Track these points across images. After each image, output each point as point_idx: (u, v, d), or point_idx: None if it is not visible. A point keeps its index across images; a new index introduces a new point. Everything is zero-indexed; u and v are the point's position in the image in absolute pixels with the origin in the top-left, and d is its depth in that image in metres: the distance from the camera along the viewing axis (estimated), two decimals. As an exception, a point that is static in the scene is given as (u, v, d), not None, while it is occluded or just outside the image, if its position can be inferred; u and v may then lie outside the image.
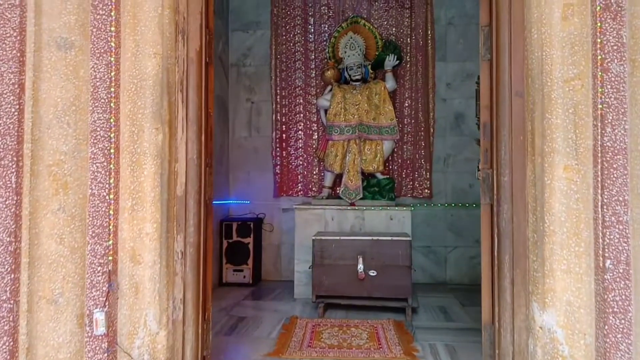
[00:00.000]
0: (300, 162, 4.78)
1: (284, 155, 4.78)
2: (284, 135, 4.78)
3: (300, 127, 4.79)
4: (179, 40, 1.96)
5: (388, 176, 4.40)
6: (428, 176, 4.61)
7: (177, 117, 1.95)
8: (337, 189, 4.55)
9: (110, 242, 1.85)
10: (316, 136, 4.75)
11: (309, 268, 3.60)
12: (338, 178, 4.42)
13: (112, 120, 1.87)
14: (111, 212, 1.85)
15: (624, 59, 1.70)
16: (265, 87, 4.84)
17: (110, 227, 1.85)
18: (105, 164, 1.84)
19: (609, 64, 1.71)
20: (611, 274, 1.68)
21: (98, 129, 1.84)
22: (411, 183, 4.66)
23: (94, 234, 1.83)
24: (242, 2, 4.87)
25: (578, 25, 1.75)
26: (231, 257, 4.48)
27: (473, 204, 4.58)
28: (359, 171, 4.27)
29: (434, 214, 4.65)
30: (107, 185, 1.85)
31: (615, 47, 1.71)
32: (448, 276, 4.62)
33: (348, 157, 4.28)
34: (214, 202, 4.33)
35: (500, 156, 1.90)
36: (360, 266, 3.40)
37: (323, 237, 3.51)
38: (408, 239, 3.46)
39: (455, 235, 4.63)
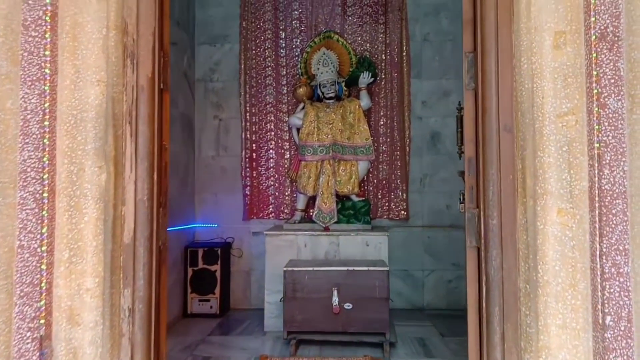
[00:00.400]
0: (272, 183, 4.55)
1: (254, 175, 4.54)
2: (254, 155, 4.54)
3: (271, 146, 4.56)
4: (127, 66, 1.71)
5: (364, 198, 4.22)
6: (404, 197, 4.45)
7: (125, 153, 1.70)
8: (310, 211, 4.34)
9: (43, 302, 1.57)
10: (288, 155, 4.53)
11: (280, 300, 3.37)
12: (311, 200, 4.21)
13: (45, 158, 1.60)
14: (44, 266, 1.58)
15: (622, 93, 1.55)
16: (234, 103, 4.60)
17: (43, 284, 1.58)
18: (36, 210, 1.57)
19: (606, 99, 1.56)
20: (612, 332, 1.52)
21: (28, 170, 1.57)
22: (387, 204, 4.49)
23: (22, 294, 1.55)
24: (209, 15, 4.63)
25: (571, 55, 1.60)
26: (197, 286, 4.19)
27: (450, 225, 4.45)
28: (333, 193, 4.07)
29: (411, 236, 4.49)
30: (38, 236, 1.57)
31: (612, 81, 1.56)
32: (425, 301, 4.45)
33: (322, 178, 4.08)
34: (177, 227, 4.05)
35: (487, 196, 1.72)
36: (335, 299, 3.19)
37: (295, 268, 3.28)
38: (385, 269, 3.27)
39: (433, 258, 4.48)
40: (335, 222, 4.03)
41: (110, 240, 1.65)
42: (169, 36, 1.95)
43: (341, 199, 4.18)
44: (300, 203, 4.22)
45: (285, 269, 3.30)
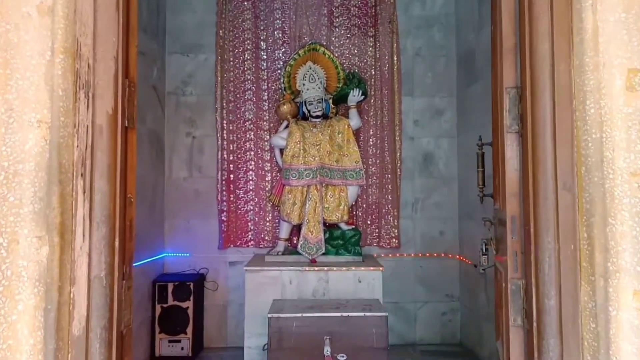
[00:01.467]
0: (251, 208, 4.13)
1: (232, 199, 4.11)
2: (231, 176, 4.12)
3: (250, 167, 4.15)
4: (80, 100, 1.29)
5: (353, 226, 3.86)
6: (395, 223, 4.12)
7: (75, 216, 1.27)
8: (295, 239, 3.96)
9: None
10: (269, 177, 4.13)
11: (264, 349, 2.97)
12: (296, 228, 3.83)
13: (-39, 229, 1.17)
14: (-43, 381, 1.14)
15: None
16: (209, 119, 4.17)
17: (-45, 406, 1.14)
18: (-53, 302, 1.14)
19: (694, 155, 1.26)
20: None
21: (-64, 246, 1.14)
22: (377, 231, 4.15)
23: None
24: (182, 22, 4.19)
25: (648, 99, 1.30)
26: (166, 325, 3.73)
27: (443, 253, 4.15)
28: (321, 221, 3.70)
29: (402, 265, 4.17)
30: (-51, 338, 1.14)
31: (701, 133, 1.27)
32: (418, 335, 4.13)
33: (308, 205, 3.70)
34: (143, 261, 3.58)
35: (542, 269, 1.39)
36: (327, 350, 2.80)
37: (281, 315, 2.88)
38: (384, 314, 2.92)
39: (426, 289, 4.16)
40: (323, 254, 3.65)
41: (53, 336, 1.22)
42: (136, 60, 1.53)
43: (329, 227, 3.81)
44: (284, 232, 3.83)
45: (269, 315, 2.89)
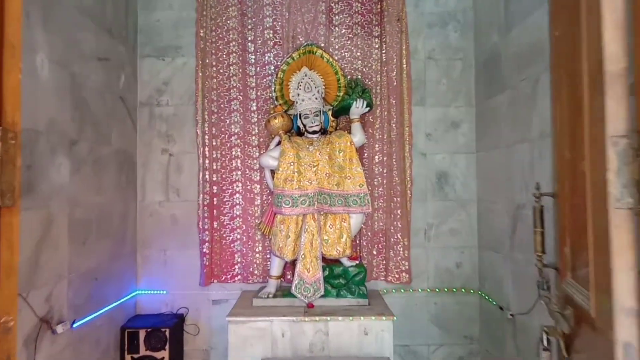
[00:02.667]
0: (238, 237, 3.56)
1: (215, 227, 3.53)
2: (215, 200, 3.54)
3: (237, 189, 3.57)
4: None
5: (357, 262, 3.29)
6: (406, 255, 3.55)
7: None
8: (289, 273, 3.40)
9: None
10: (259, 201, 3.55)
11: None
12: (290, 263, 3.27)
13: None
14: None
15: None
16: (188, 134, 3.58)
17: None
18: None
19: None
20: None
21: None
22: (384, 263, 3.59)
23: None
24: (156, 20, 3.59)
25: None
26: (138, 380, 3.16)
27: (462, 288, 3.59)
28: (319, 257, 3.13)
29: (414, 302, 3.61)
30: None
31: None
32: (432, 384, 3.58)
33: (304, 237, 3.13)
34: (108, 307, 3.00)
35: None
36: None
37: (271, 388, 2.32)
38: (398, 387, 2.35)
39: (440, 329, 3.61)
40: (322, 296, 3.10)
41: None
42: (19, 91, 0.94)
43: (329, 263, 3.25)
44: (276, 268, 3.26)
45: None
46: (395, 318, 2.89)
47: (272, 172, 3.29)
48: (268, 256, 3.49)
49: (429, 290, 3.62)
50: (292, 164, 3.16)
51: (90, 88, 2.80)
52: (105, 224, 3.00)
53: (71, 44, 2.59)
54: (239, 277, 3.55)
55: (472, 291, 3.60)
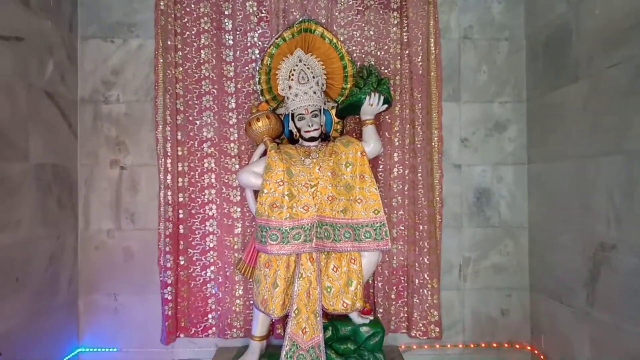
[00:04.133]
0: (212, 276, 2.69)
1: (182, 263, 2.66)
2: (180, 228, 2.66)
3: (210, 213, 2.70)
4: None
5: (371, 317, 2.41)
6: (435, 300, 2.67)
7: None
8: (278, 326, 2.54)
9: None
10: (239, 229, 2.67)
11: None
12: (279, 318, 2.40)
13: None
14: None
15: None
16: (146, 140, 2.71)
17: None
18: None
19: None
20: None
21: None
22: (405, 311, 2.71)
23: None
24: (101, -12, 2.71)
25: None
26: None
27: (507, 343, 2.72)
28: (319, 312, 2.26)
29: (444, 362, 2.74)
30: None
31: None
32: None
33: (297, 286, 2.26)
34: None
35: None
36: None
37: None
38: None
39: (480, 398, 2.74)
40: (323, 368, 2.23)
41: None
42: None
43: (333, 319, 2.38)
44: (259, 327, 2.39)
45: None
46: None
47: (256, 192, 2.41)
48: (252, 302, 2.62)
49: (464, 346, 2.74)
50: (281, 183, 2.27)
51: (-15, 79, 1.93)
52: (16, 272, 2.13)
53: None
54: (214, 330, 2.68)
55: (521, 347, 2.72)
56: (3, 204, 2.04)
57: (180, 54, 2.68)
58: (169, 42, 2.66)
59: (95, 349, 2.68)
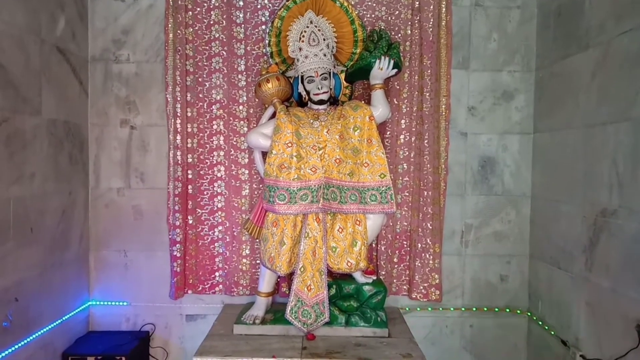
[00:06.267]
0: (219, 236, 2.76)
1: (191, 223, 2.72)
2: (189, 188, 2.71)
3: (219, 175, 2.74)
4: None
5: (374, 277, 2.48)
6: (436, 264, 2.73)
7: None
8: (283, 285, 2.63)
9: None
10: (247, 191, 2.72)
11: None
12: (287, 276, 2.47)
13: None
14: None
15: None
16: (156, 101, 2.73)
17: None
18: None
19: None
20: None
21: None
22: (407, 274, 2.79)
23: None
24: (111, -56, 2.69)
25: None
26: None
27: (506, 308, 2.80)
28: (323, 271, 2.33)
29: (444, 323, 2.83)
30: None
31: None
32: None
33: (303, 245, 2.32)
34: (50, 325, 2.05)
35: None
36: None
37: None
38: None
39: (476, 358, 2.84)
40: (327, 323, 2.31)
41: None
42: None
43: (337, 278, 2.45)
44: (265, 284, 2.46)
45: None
46: (427, 365, 2.10)
47: (265, 154, 2.45)
48: (259, 261, 2.70)
49: (463, 309, 2.82)
50: (289, 145, 2.31)
51: None
52: (30, 224, 2.19)
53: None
54: (221, 287, 2.77)
55: (519, 312, 2.80)
56: (18, 156, 2.08)
57: (191, 14, 2.68)
58: (179, 2, 2.65)
59: (104, 303, 2.77)
